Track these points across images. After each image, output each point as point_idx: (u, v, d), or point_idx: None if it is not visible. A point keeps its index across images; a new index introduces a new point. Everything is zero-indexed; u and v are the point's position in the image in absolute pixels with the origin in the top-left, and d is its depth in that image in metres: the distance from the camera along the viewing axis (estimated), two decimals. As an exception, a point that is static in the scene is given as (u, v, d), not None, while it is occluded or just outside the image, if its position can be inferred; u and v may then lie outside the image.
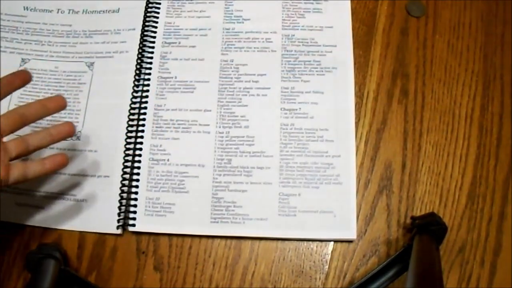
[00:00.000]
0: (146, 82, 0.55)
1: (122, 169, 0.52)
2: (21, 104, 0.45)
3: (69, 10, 0.59)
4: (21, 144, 0.43)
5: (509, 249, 0.49)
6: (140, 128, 0.54)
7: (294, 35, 0.57)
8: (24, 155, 0.43)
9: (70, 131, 0.46)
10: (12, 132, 0.42)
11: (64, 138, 0.46)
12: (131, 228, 0.51)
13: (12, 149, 0.42)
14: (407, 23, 0.58)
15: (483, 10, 0.58)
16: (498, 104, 0.54)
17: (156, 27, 0.58)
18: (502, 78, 0.55)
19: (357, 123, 0.54)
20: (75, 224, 0.51)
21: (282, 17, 0.58)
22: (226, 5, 0.59)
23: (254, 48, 0.56)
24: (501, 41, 0.57)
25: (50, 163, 0.45)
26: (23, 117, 0.43)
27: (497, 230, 0.50)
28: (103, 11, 0.59)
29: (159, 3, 0.59)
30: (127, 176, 0.52)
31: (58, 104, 0.45)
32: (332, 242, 0.50)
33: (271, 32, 0.57)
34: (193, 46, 0.57)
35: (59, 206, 0.51)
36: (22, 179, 0.43)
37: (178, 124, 0.54)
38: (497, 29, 0.57)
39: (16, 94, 0.51)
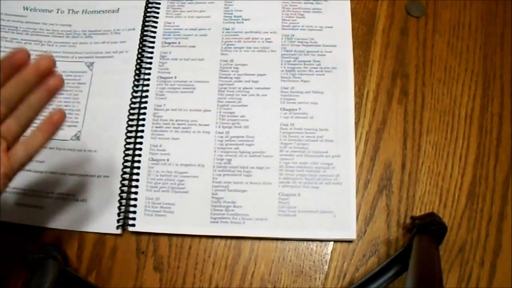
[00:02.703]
0: (146, 82, 0.55)
1: (122, 169, 0.52)
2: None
3: (69, 10, 0.59)
4: (13, 123, 0.36)
5: (509, 249, 0.49)
6: (140, 128, 0.54)
7: (294, 35, 0.57)
8: (21, 133, 0.37)
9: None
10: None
11: (54, 90, 0.37)
12: (131, 228, 0.51)
13: (6, 131, 0.35)
14: (407, 23, 0.58)
15: (483, 10, 0.58)
16: (498, 104, 0.54)
17: (156, 27, 0.58)
18: (502, 78, 0.55)
19: (357, 123, 0.54)
20: (75, 224, 0.51)
21: (282, 17, 0.58)
22: (226, 5, 0.59)
23: (254, 48, 0.56)
24: (501, 41, 0.57)
25: (49, 127, 0.38)
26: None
27: (497, 230, 0.50)
28: (103, 11, 0.59)
29: (159, 3, 0.59)
30: (127, 176, 0.52)
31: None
32: (331, 242, 0.50)
33: (271, 32, 0.57)
34: (193, 46, 0.57)
35: (59, 206, 0.51)
36: (27, 160, 0.37)
37: (178, 124, 0.54)
38: (497, 29, 0.57)
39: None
